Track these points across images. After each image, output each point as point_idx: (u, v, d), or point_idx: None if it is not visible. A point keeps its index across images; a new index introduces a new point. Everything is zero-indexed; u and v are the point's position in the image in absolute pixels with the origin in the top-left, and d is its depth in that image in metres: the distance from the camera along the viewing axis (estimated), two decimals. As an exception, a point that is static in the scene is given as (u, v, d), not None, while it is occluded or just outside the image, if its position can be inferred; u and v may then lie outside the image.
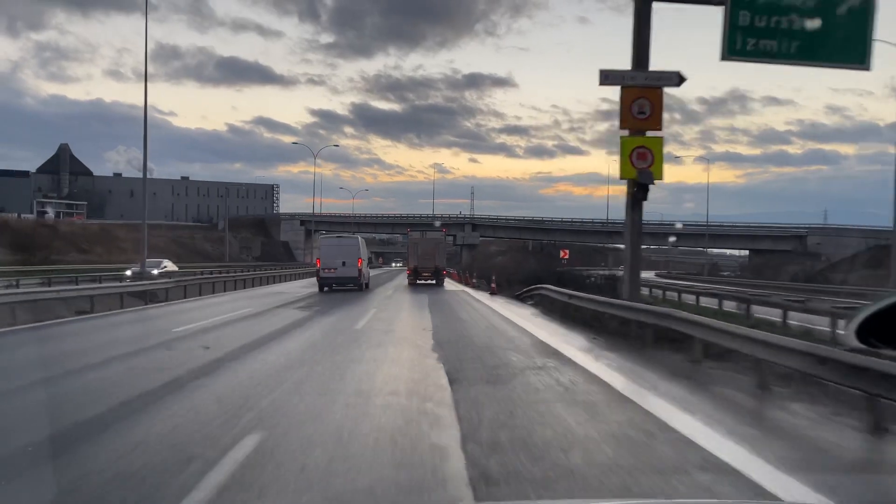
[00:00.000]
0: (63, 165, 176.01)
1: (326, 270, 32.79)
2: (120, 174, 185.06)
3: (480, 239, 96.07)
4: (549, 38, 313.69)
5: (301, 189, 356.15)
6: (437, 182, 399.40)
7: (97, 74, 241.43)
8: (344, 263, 32.76)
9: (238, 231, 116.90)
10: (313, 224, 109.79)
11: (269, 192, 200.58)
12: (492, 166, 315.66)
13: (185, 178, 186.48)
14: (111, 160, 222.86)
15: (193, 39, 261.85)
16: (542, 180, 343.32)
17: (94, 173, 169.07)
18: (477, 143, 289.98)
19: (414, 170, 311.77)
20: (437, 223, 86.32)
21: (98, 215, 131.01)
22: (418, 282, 33.26)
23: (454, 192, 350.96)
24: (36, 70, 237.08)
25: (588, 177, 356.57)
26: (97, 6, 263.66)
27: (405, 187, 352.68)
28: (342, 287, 33.56)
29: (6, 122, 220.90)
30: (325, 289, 32.94)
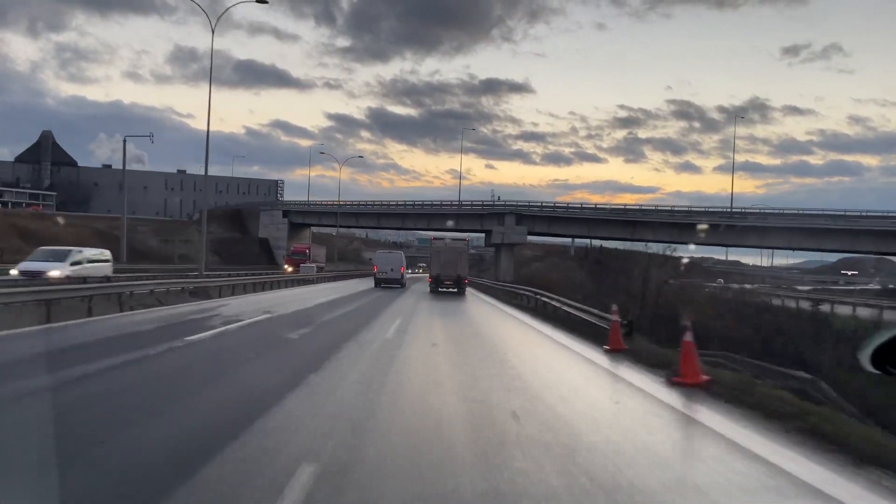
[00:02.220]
0: (44, 155, 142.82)
1: (381, 274, 40.33)
2: (109, 166, 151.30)
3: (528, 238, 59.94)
4: (567, 44, 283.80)
5: (319, 192, 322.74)
6: (452, 188, 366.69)
7: (116, 76, 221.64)
8: (392, 269, 40.25)
9: (210, 223, 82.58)
10: (300, 216, 75.31)
11: (272, 187, 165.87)
12: (508, 173, 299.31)
13: (181, 172, 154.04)
14: (98, 151, 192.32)
15: (212, 43, 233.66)
16: (559, 187, 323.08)
17: (80, 164, 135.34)
18: (493, 149, 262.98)
19: (430, 175, 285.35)
20: (450, 222, 64.58)
21: (83, 209, 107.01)
22: (440, 289, 31.63)
23: (470, 196, 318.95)
24: (56, 71, 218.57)
25: (606, 184, 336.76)
26: (115, 8, 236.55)
27: (422, 192, 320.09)
28: (389, 285, 39.45)
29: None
30: (382, 285, 39.19)
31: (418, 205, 71.21)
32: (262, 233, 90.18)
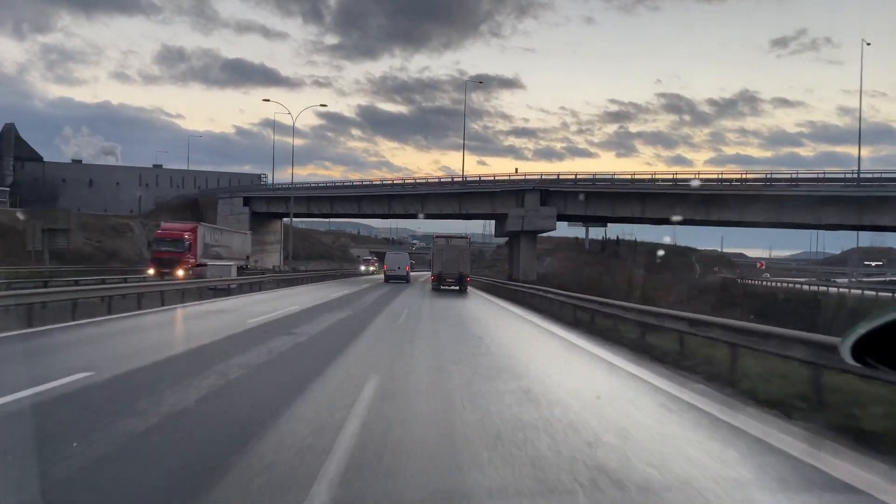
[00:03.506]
0: (6, 150, 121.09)
1: (390, 271, 42.41)
2: (79, 161, 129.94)
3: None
4: (556, 38, 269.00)
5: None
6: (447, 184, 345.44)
7: (103, 77, 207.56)
8: (399, 268, 42.03)
9: (160, 216, 64.72)
10: (264, 203, 56.70)
11: (254, 181, 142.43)
12: (500, 169, 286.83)
13: (157, 167, 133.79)
14: (63, 147, 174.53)
15: (198, 41, 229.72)
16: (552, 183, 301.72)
17: (45, 159, 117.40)
18: (485, 145, 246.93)
19: (423, 171, 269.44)
20: (450, 205, 50.72)
21: (49, 207, 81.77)
22: (441, 287, 30.42)
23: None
24: (43, 72, 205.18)
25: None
26: (100, 8, 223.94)
27: (415, 191, 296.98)
28: (397, 281, 41.11)
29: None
30: (391, 280, 41.34)
31: (409, 184, 52.19)
32: (220, 225, 71.01)
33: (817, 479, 4.35)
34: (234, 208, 68.96)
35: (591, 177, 45.04)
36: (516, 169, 50.90)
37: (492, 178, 49.02)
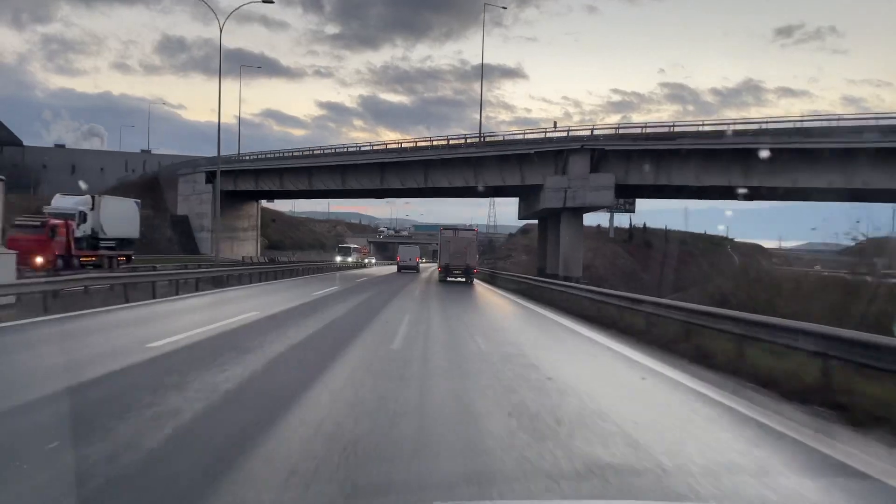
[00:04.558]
0: None
1: (402, 262, 43.95)
2: (63, 145, 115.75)
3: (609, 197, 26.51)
4: (558, 28, 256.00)
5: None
6: None
7: (104, 67, 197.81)
8: (410, 259, 44.13)
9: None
10: (231, 179, 42.61)
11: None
12: None
13: (145, 152, 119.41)
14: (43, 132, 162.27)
15: (199, 31, 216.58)
16: None
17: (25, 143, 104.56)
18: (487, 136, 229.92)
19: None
20: (463, 176, 37.23)
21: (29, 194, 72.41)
22: (448, 279, 29.25)
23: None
24: (43, 63, 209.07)
25: None
26: None
27: None
28: (408, 271, 42.15)
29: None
30: (402, 270, 42.50)
31: (408, 148, 37.94)
32: (181, 208, 57.02)
33: None
34: (196, 186, 54.82)
35: (666, 130, 30.50)
36: (555, 123, 34.15)
37: (520, 134, 34.53)
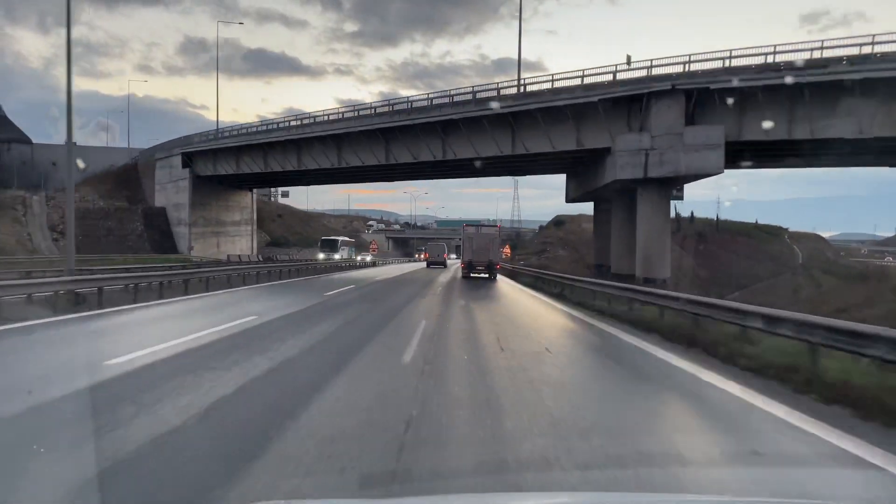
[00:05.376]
0: None
1: (431, 258, 43.63)
2: (74, 143, 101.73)
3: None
4: (578, 20, 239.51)
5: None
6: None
7: (128, 70, 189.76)
8: (437, 256, 43.81)
9: (81, 189, 41.34)
10: (209, 161, 32.49)
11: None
12: None
13: (155, 146, 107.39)
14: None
15: (220, 31, 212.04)
16: None
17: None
18: None
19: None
20: (495, 143, 27.07)
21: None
22: (472, 275, 28.71)
23: (489, 181, 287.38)
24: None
25: None
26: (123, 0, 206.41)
27: (439, 179, 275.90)
28: (436, 266, 41.25)
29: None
30: (431, 266, 41.58)
31: (420, 107, 27.55)
32: (159, 199, 47.30)
33: None
34: (172, 172, 45.19)
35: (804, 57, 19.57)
36: (628, 57, 22.67)
37: (576, 77, 23.71)
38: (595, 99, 22.68)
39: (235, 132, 38.83)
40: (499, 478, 3.23)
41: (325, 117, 32.58)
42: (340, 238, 53.90)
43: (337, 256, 45.12)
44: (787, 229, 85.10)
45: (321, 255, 43.61)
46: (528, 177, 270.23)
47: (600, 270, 30.26)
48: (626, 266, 26.22)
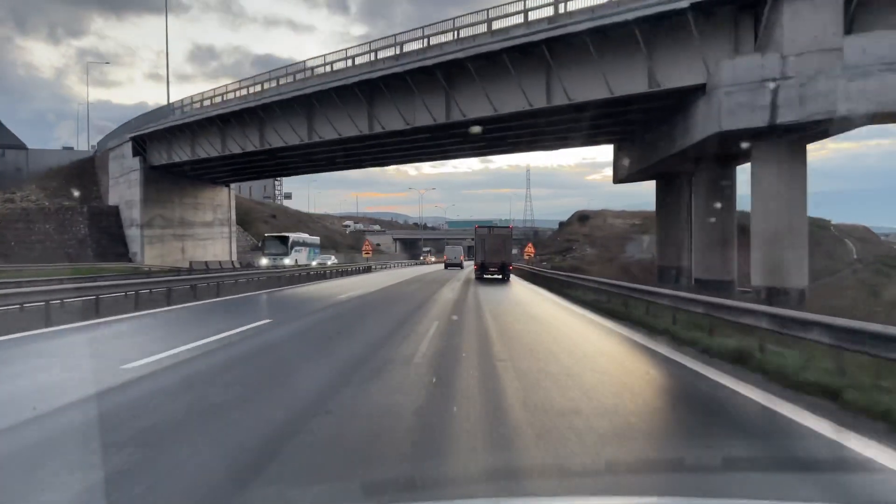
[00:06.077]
0: None
1: (449, 260, 46.21)
2: (71, 147, 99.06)
3: None
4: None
5: (346, 185, 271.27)
6: (480, 174, 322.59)
7: (138, 78, 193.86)
8: (455, 258, 46.19)
9: (25, 187, 33.18)
10: (164, 148, 24.16)
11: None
12: (533, 154, 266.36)
13: None
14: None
15: (228, 38, 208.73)
16: (588, 166, 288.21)
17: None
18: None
19: (457, 160, 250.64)
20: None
21: None
22: (485, 276, 27.95)
23: (498, 181, 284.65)
24: (80, 76, 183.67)
25: None
26: (129, 8, 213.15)
27: (449, 179, 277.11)
28: (453, 267, 43.20)
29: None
30: (449, 268, 42.85)
31: (411, 52, 18.84)
32: (112, 196, 39.12)
33: None
34: (124, 163, 37.03)
35: None
36: None
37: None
38: (684, 4, 14.10)
39: (188, 106, 30.48)
40: None
41: (291, 77, 24.14)
42: (293, 235, 41.07)
43: (288, 262, 33.65)
44: (829, 221, 75.73)
45: (264, 261, 33.53)
46: (539, 176, 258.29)
47: (666, 275, 21.67)
48: (719, 269, 17.53)
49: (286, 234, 39.95)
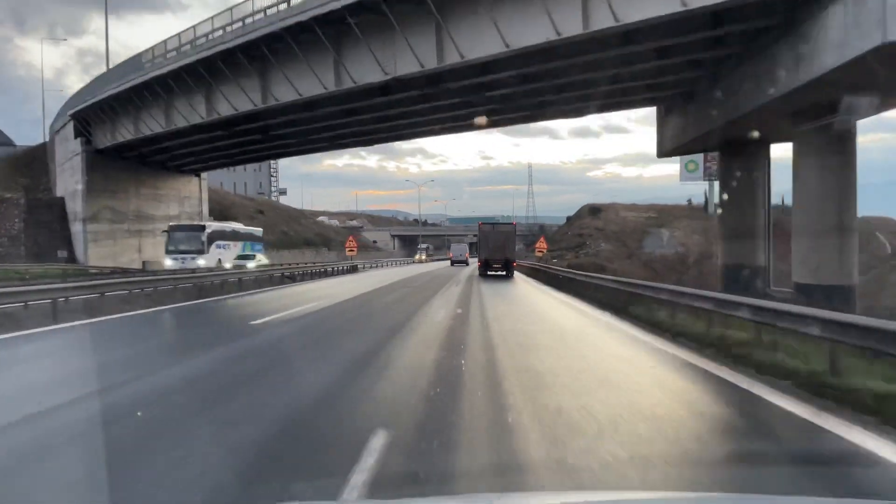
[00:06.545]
0: None
1: (455, 258, 47.74)
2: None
3: None
4: None
5: (348, 182, 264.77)
6: (481, 171, 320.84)
7: None
8: (461, 255, 47.97)
9: None
10: (109, 125, 18.43)
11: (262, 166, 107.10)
12: (536, 150, 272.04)
13: None
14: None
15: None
16: (589, 162, 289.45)
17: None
18: (520, 126, 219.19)
19: (458, 156, 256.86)
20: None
21: None
22: (488, 273, 27.44)
23: (500, 178, 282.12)
24: (80, 76, 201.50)
25: (636, 157, 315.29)
26: (127, 7, 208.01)
27: (449, 175, 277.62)
28: (459, 265, 43.87)
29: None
30: (454, 265, 44.00)
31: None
32: (59, 187, 33.57)
33: None
34: (68, 146, 31.47)
35: None
36: None
37: None
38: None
39: (135, 73, 24.79)
40: None
41: (240, 23, 18.57)
42: (214, 225, 31.12)
43: (203, 262, 25.33)
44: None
45: (168, 262, 25.74)
46: (540, 172, 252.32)
47: (736, 278, 16.12)
48: (835, 270, 11.99)
49: (201, 224, 29.91)
